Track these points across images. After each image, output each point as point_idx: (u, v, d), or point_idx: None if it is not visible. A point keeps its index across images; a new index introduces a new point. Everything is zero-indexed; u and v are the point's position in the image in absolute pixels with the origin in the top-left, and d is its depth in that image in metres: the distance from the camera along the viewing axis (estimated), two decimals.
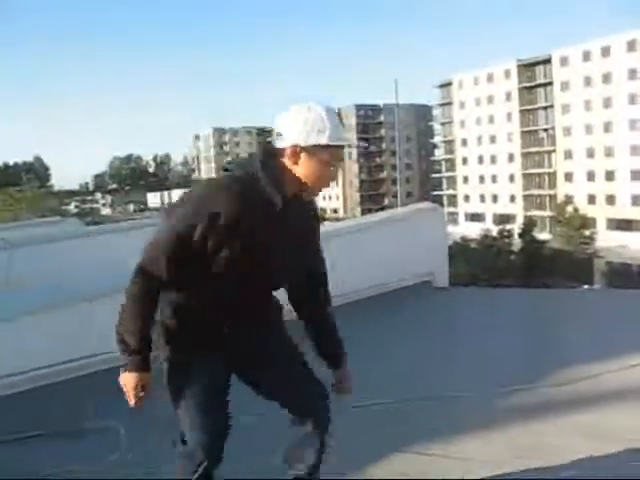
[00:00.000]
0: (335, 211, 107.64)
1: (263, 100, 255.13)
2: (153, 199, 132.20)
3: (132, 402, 2.56)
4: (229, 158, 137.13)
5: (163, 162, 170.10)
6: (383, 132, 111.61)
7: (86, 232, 11.01)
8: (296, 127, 2.46)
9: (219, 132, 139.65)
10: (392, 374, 5.15)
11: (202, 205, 2.41)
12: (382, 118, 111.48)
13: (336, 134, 2.48)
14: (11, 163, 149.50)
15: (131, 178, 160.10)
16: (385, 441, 3.77)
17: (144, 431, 4.34)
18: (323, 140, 2.46)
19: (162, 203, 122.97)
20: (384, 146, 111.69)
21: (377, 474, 3.57)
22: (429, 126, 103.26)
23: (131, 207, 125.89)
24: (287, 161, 2.49)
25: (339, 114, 2.56)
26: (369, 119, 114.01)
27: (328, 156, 2.50)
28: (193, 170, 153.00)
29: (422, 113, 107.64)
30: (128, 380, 2.54)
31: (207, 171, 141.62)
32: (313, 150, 2.47)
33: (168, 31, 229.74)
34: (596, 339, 6.22)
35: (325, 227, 11.38)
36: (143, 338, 2.53)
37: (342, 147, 2.57)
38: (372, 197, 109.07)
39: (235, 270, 2.49)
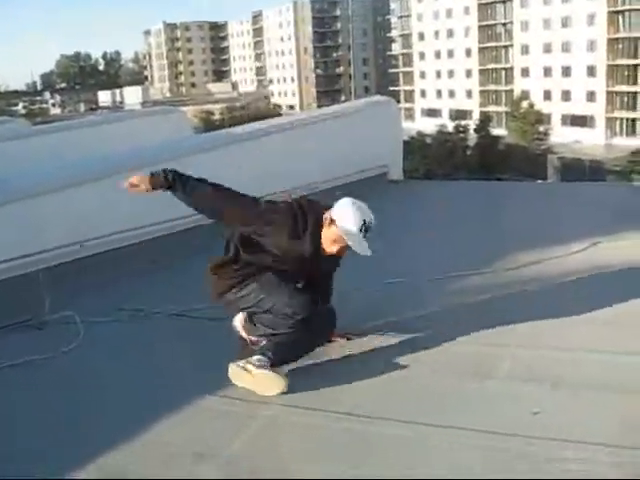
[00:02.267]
0: (291, 107, 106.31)
1: None
2: (104, 97, 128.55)
3: None
4: (181, 54, 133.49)
5: (113, 59, 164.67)
6: (339, 26, 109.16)
7: (34, 131, 10.75)
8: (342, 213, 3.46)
9: (170, 27, 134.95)
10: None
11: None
12: (338, 12, 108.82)
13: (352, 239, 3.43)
14: None
15: (80, 76, 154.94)
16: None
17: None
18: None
19: (114, 101, 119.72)
20: (340, 40, 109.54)
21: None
22: (386, 20, 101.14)
23: (82, 106, 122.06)
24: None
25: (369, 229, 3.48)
26: (325, 13, 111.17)
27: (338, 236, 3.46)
28: (145, 67, 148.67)
29: (379, 6, 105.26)
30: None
31: (159, 67, 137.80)
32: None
33: None
34: (542, 228, 6.38)
35: (279, 120, 11.31)
36: None
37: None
38: (329, 93, 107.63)
39: None
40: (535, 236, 6.02)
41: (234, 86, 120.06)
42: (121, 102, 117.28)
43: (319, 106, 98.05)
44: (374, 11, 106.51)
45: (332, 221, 3.44)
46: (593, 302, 4.26)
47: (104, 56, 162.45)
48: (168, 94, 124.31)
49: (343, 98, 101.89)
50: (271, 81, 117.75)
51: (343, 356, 3.77)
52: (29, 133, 10.28)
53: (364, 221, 3.42)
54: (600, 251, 5.47)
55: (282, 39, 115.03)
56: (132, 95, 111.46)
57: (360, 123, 8.60)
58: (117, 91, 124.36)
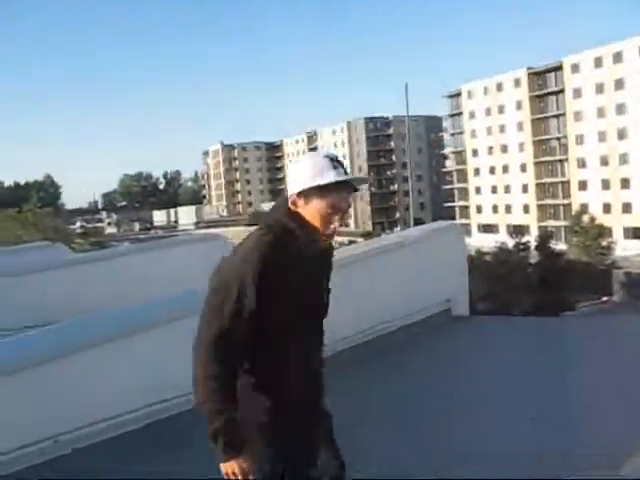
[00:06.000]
0: (346, 225, 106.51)
1: (273, 116, 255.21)
2: (159, 217, 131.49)
3: None
4: (238, 173, 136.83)
5: (173, 178, 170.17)
6: (393, 144, 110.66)
7: (68, 262, 10.06)
8: (296, 175, 2.45)
9: (228, 148, 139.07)
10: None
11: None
12: (391, 130, 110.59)
13: (329, 176, 2.38)
14: (22, 182, 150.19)
15: (142, 195, 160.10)
16: None
17: None
18: (319, 182, 2.39)
19: (168, 221, 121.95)
20: (394, 158, 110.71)
21: None
22: (439, 137, 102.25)
23: (137, 226, 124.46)
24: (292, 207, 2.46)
25: (338, 159, 2.46)
26: (379, 132, 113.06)
27: (325, 201, 2.40)
28: (203, 186, 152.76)
29: (432, 124, 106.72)
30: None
31: (217, 187, 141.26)
32: (310, 195, 2.41)
33: (172, 48, 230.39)
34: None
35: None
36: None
37: (342, 190, 2.42)
38: (383, 210, 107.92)
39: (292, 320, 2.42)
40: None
41: None
42: (175, 221, 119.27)
43: (374, 223, 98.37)
44: (426, 129, 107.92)
45: (300, 195, 2.41)
46: None
47: (165, 175, 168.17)
48: (225, 213, 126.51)
49: (397, 214, 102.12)
50: None
51: None
52: (60, 264, 9.57)
53: (327, 156, 2.44)
54: None
55: None
56: (186, 215, 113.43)
57: (420, 254, 7.57)
58: (172, 210, 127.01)
